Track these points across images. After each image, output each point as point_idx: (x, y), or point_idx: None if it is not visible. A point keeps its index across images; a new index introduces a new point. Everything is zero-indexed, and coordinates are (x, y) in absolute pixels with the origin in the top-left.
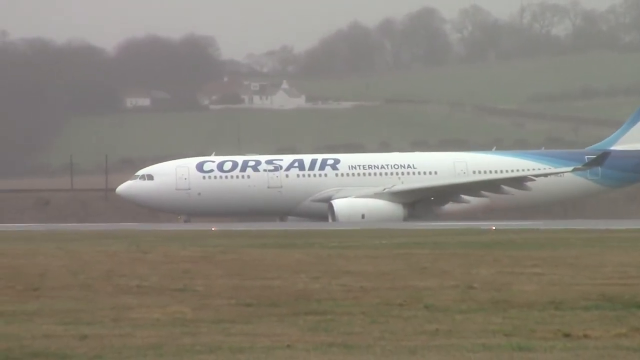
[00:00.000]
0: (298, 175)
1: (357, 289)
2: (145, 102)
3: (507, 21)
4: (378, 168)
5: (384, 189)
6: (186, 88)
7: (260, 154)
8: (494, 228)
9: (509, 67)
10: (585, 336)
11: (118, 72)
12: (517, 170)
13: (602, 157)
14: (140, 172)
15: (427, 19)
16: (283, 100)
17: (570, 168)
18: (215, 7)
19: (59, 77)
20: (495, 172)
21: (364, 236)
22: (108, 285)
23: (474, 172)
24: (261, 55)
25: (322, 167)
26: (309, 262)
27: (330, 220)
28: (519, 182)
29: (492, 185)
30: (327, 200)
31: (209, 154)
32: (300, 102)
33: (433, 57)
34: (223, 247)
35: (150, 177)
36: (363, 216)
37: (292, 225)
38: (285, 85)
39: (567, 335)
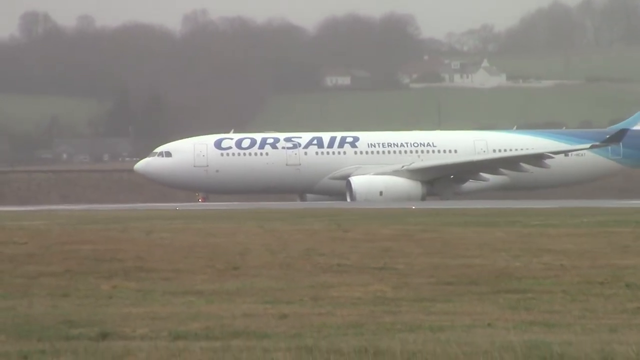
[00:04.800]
0: (317, 153)
1: (558, 267)
2: (345, 80)
3: None
4: (397, 146)
5: (403, 166)
6: (386, 67)
7: (279, 132)
8: None
9: None
10: None
11: (318, 50)
12: (537, 149)
13: (620, 135)
14: (159, 149)
15: None
16: (483, 78)
17: (588, 145)
18: None
19: (259, 56)
20: (515, 150)
21: (565, 214)
22: (308, 264)
23: (494, 150)
24: (462, 34)
25: (341, 145)
26: (509, 241)
27: (348, 198)
28: (537, 159)
29: (511, 163)
30: (346, 178)
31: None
32: (500, 80)
33: (633, 36)
34: (423, 225)
35: (168, 154)
36: (381, 193)
37: (493, 203)
38: (485, 63)
39: None
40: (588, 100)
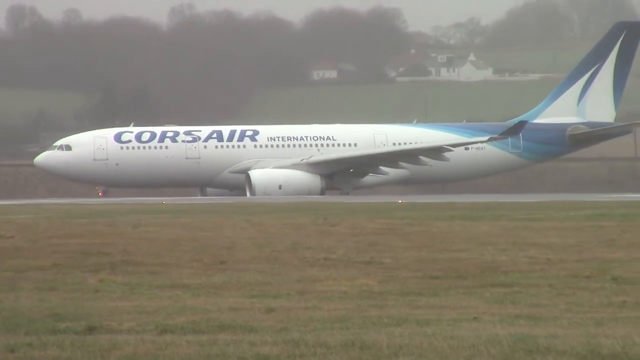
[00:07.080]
0: (216, 147)
1: (544, 261)
2: (332, 74)
3: None
4: (297, 140)
5: (302, 160)
6: (373, 60)
7: (178, 125)
8: None
9: None
10: None
11: (305, 44)
12: (437, 142)
13: (517, 127)
14: (59, 142)
15: None
16: (470, 72)
17: (486, 138)
18: None
19: (246, 49)
20: (415, 143)
21: (551, 208)
22: (295, 258)
23: (394, 144)
24: (448, 27)
25: (240, 139)
26: (496, 234)
27: (247, 192)
28: (436, 152)
29: (410, 156)
30: (245, 172)
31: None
32: (487, 74)
33: None
34: (410, 220)
35: (68, 147)
36: (280, 187)
37: (479, 197)
38: (472, 57)
39: None
40: None
